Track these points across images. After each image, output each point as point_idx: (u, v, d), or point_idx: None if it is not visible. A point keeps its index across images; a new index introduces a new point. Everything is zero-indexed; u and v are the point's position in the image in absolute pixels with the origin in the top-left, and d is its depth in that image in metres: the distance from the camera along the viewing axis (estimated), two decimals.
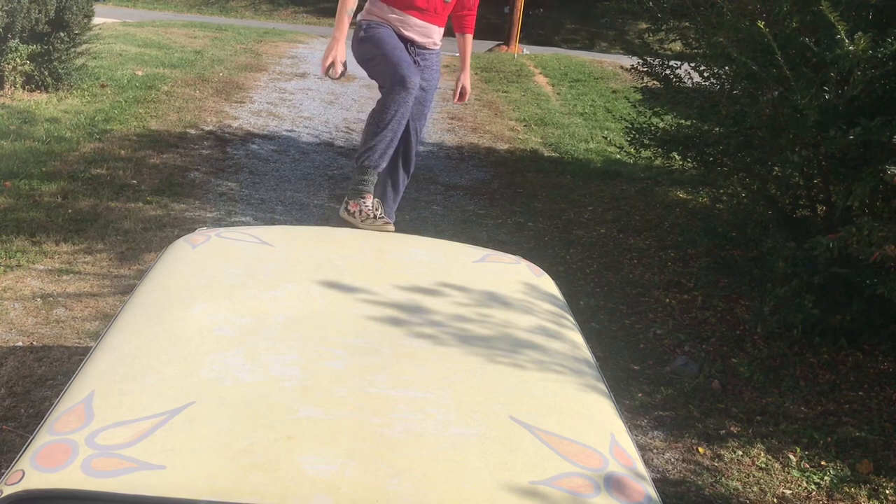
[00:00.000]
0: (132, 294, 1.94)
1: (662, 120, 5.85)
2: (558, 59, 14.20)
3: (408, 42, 2.95)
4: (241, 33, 13.61)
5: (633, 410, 3.66)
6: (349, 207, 2.76)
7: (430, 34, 3.01)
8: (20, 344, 3.71)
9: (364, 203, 2.73)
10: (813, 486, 3.23)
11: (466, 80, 3.30)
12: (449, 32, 3.19)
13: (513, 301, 2.07)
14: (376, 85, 3.11)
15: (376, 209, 2.76)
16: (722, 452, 3.41)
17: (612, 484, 1.39)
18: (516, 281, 2.22)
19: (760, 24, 3.66)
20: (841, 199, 3.96)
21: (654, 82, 5.79)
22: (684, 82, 5.44)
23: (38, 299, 4.13)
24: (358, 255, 2.23)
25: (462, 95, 3.32)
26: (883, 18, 3.85)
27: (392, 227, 2.72)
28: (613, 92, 11.26)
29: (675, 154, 5.42)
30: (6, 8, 7.50)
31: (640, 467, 1.49)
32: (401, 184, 3.10)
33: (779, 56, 3.67)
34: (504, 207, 6.33)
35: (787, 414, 3.71)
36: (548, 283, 2.28)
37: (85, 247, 4.83)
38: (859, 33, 3.34)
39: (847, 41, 3.37)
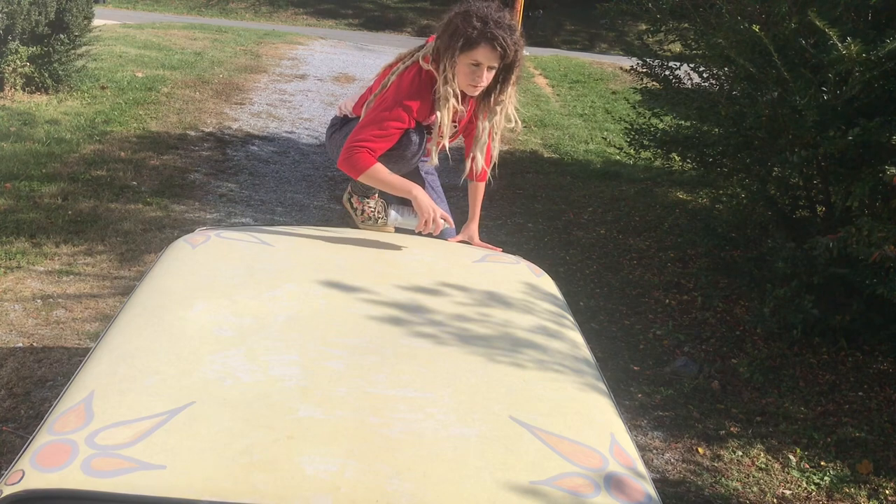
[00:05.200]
0: (132, 294, 1.94)
1: (662, 121, 5.86)
2: (558, 61, 14.22)
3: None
4: (240, 35, 13.62)
5: (633, 411, 3.66)
6: (353, 202, 2.74)
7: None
8: (20, 345, 3.71)
9: (368, 203, 2.72)
10: (813, 487, 3.23)
11: (474, 231, 2.77)
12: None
13: (513, 301, 2.07)
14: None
15: (379, 213, 2.75)
16: (722, 453, 3.41)
17: (613, 483, 1.39)
18: (516, 281, 2.22)
19: (756, 27, 3.67)
20: (840, 199, 3.97)
21: (654, 83, 5.81)
22: (684, 83, 5.45)
23: (38, 300, 4.13)
24: (358, 255, 2.23)
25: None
26: (882, 19, 3.85)
27: (392, 229, 2.71)
28: (613, 93, 11.27)
29: (674, 155, 5.43)
30: (6, 10, 7.50)
31: (640, 467, 1.49)
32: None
33: (776, 58, 3.67)
34: (504, 208, 6.34)
35: (786, 414, 3.71)
36: (548, 283, 2.28)
37: (85, 248, 4.83)
38: (849, 39, 3.34)
39: (840, 45, 3.37)
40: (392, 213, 2.46)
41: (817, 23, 3.35)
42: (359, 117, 2.63)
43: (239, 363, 1.58)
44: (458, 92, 2.45)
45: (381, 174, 2.44)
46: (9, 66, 7.82)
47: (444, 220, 2.44)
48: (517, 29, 2.42)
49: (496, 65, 2.41)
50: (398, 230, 2.67)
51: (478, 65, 2.39)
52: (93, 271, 4.54)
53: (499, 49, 2.36)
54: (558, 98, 11.10)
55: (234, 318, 1.76)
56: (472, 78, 2.42)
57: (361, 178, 2.47)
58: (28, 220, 5.09)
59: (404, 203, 2.67)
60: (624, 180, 7.34)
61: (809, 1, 3.69)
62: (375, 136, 2.44)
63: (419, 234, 2.50)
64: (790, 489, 3.22)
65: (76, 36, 8.28)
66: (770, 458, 3.40)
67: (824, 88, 3.77)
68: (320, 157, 7.31)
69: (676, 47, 5.94)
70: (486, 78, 2.43)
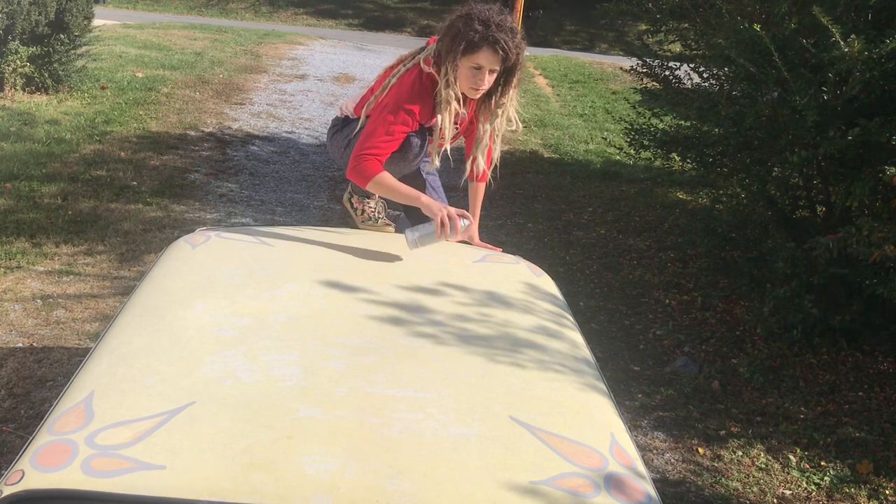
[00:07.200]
0: (132, 294, 1.94)
1: (662, 121, 5.86)
2: (558, 61, 14.22)
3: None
4: (241, 35, 13.62)
5: (633, 411, 3.66)
6: (353, 202, 2.74)
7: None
8: (20, 345, 3.71)
9: (368, 203, 2.72)
10: (813, 487, 3.23)
11: (474, 231, 2.71)
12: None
13: (513, 301, 2.07)
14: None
15: (379, 213, 2.75)
16: (722, 453, 3.41)
17: (613, 483, 1.39)
18: (516, 281, 2.22)
19: (757, 26, 3.67)
20: (840, 199, 3.97)
21: (654, 83, 5.81)
22: (683, 83, 5.45)
23: (38, 301, 4.13)
24: (358, 255, 2.24)
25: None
26: (882, 19, 3.85)
27: (391, 229, 2.71)
28: (613, 93, 11.27)
29: (674, 155, 5.43)
30: (6, 10, 7.50)
31: (640, 467, 1.49)
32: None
33: (776, 58, 3.67)
34: (504, 208, 6.33)
35: (786, 414, 3.71)
36: (548, 283, 2.28)
37: (85, 248, 4.83)
38: (853, 36, 3.34)
39: (842, 43, 3.37)
40: (408, 235, 2.38)
41: (821, 19, 3.34)
42: (359, 118, 2.64)
43: (239, 363, 1.58)
44: (460, 95, 2.45)
45: (389, 182, 2.45)
46: (9, 66, 7.81)
47: (463, 217, 2.37)
48: (519, 32, 2.42)
49: (498, 68, 2.41)
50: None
51: (479, 68, 2.39)
52: (93, 271, 4.54)
53: (500, 52, 2.35)
54: (558, 98, 11.09)
55: (234, 318, 1.76)
56: (474, 81, 2.42)
57: (369, 187, 2.46)
58: (28, 220, 5.09)
59: (410, 214, 2.66)
60: (624, 180, 7.34)
61: (809, 1, 3.69)
62: (382, 141, 2.44)
63: (446, 240, 2.38)
64: (790, 489, 3.22)
65: (76, 36, 8.28)
66: (770, 458, 3.40)
67: (824, 88, 3.77)
68: (320, 157, 7.31)
69: (676, 47, 5.94)
70: (488, 81, 2.43)
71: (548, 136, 8.83)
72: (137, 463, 1.29)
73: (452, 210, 2.36)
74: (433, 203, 2.40)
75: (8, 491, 1.26)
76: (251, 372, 1.55)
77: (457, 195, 6.68)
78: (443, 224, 2.31)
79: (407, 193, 2.45)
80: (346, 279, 2.02)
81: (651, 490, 1.42)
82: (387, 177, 2.44)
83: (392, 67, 2.61)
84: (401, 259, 2.26)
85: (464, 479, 1.34)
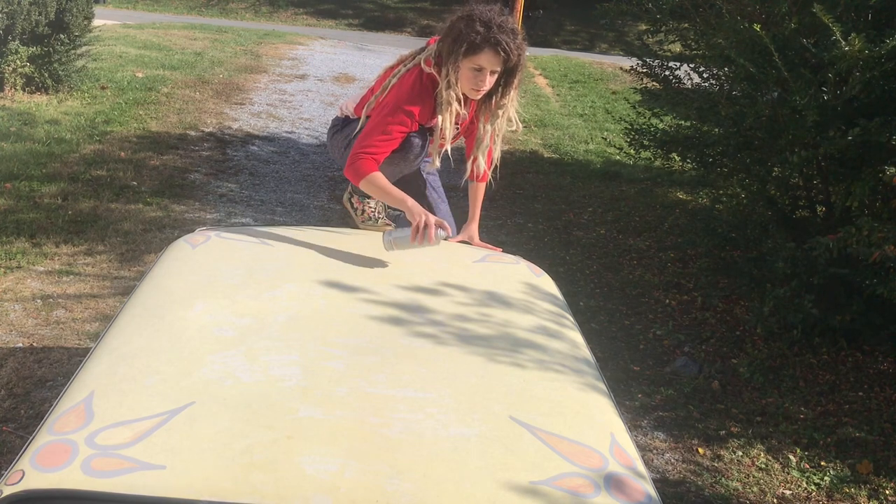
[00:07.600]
0: (132, 294, 1.94)
1: (662, 121, 5.86)
2: (558, 61, 14.22)
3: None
4: (241, 35, 13.62)
5: (633, 411, 3.66)
6: (353, 202, 2.75)
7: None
8: (20, 345, 3.71)
9: (368, 203, 2.72)
10: (813, 487, 3.23)
11: (474, 231, 2.74)
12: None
13: (513, 301, 2.07)
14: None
15: (379, 213, 2.75)
16: (722, 453, 3.41)
17: (613, 483, 1.39)
18: (516, 281, 2.22)
19: (757, 26, 3.67)
20: (840, 199, 3.97)
21: (654, 83, 5.81)
22: (683, 83, 5.45)
23: (38, 301, 4.13)
24: (358, 255, 2.24)
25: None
26: (882, 19, 3.85)
27: (391, 229, 2.71)
28: (613, 93, 11.27)
29: (674, 155, 5.43)
30: (6, 10, 7.50)
31: (640, 467, 1.49)
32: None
33: (776, 58, 3.67)
34: (504, 208, 6.33)
35: (786, 414, 3.71)
36: (548, 283, 2.28)
37: (85, 248, 4.83)
38: (853, 35, 3.34)
39: (843, 42, 3.37)
40: (385, 236, 2.32)
41: (823, 17, 3.34)
42: (359, 118, 2.64)
43: (239, 363, 1.58)
44: (461, 96, 2.45)
45: (380, 182, 2.45)
46: (9, 66, 7.82)
47: (441, 228, 2.33)
48: (520, 33, 2.42)
49: (499, 69, 2.41)
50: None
51: (480, 69, 2.39)
52: (93, 271, 4.54)
53: (502, 54, 2.36)
54: (558, 98, 11.09)
55: (234, 318, 1.76)
56: (475, 82, 2.42)
57: (361, 185, 2.47)
58: (28, 220, 5.09)
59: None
60: (624, 180, 7.34)
61: (809, 0, 3.69)
62: (380, 141, 2.44)
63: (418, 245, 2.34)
64: (790, 489, 3.22)
65: (76, 36, 8.28)
66: (770, 458, 3.40)
67: (824, 88, 3.76)
68: (320, 157, 7.31)
69: (676, 47, 5.94)
70: (489, 82, 2.43)
71: (548, 136, 8.83)
72: (137, 463, 1.29)
73: (432, 218, 2.32)
74: (416, 208, 2.38)
75: (8, 491, 1.26)
76: (251, 372, 1.55)
77: (457, 195, 6.67)
78: (417, 230, 2.28)
79: (395, 195, 2.44)
80: (346, 279, 2.03)
81: (651, 490, 1.42)
82: (379, 177, 2.44)
83: (392, 67, 2.61)
84: (401, 259, 2.26)
85: (464, 479, 1.34)
